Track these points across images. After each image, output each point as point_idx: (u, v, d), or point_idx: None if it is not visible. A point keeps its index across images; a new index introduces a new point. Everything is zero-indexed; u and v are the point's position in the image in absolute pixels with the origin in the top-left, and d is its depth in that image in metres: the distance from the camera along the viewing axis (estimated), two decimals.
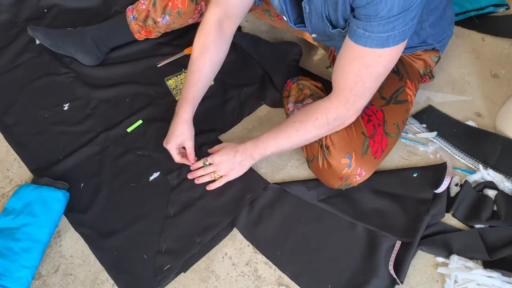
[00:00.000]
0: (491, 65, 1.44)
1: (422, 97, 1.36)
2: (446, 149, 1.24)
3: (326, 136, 1.05)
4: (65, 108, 1.36)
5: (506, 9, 1.57)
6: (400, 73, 1.13)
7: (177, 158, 1.17)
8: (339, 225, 1.13)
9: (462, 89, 1.38)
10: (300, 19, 1.04)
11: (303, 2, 0.97)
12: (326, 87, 1.29)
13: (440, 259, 1.07)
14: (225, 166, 1.14)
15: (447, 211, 1.14)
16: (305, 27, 1.05)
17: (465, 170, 1.21)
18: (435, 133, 1.26)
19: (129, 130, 1.31)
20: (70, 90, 1.40)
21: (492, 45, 1.49)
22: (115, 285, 1.07)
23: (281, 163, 1.25)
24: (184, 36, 1.48)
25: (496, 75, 1.41)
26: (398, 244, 1.08)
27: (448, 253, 1.07)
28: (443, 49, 1.22)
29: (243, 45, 1.44)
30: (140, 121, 1.32)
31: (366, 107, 1.07)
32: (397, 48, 0.88)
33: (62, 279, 1.09)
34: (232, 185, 1.19)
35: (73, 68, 1.44)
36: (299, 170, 1.23)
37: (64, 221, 1.16)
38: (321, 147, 1.07)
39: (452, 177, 1.18)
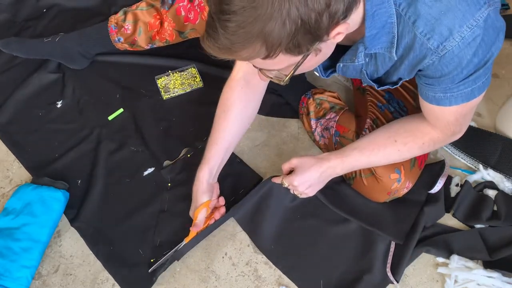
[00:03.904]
0: None
1: None
2: (446, 148, 1.24)
3: None
4: (58, 106, 1.36)
5: (506, 9, 1.57)
6: None
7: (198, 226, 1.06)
8: (334, 222, 1.12)
9: None
10: (332, 69, 0.92)
11: (338, 63, 0.86)
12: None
13: (440, 259, 1.07)
14: (304, 187, 1.01)
15: (447, 211, 1.14)
16: (335, 73, 0.94)
17: (465, 170, 1.21)
18: None
19: (110, 118, 1.32)
20: (62, 87, 1.39)
21: None
22: (115, 285, 1.07)
23: (281, 163, 1.24)
24: None
25: (496, 75, 1.41)
26: (393, 245, 1.08)
27: (448, 253, 1.07)
28: None
29: None
30: (121, 110, 1.33)
31: None
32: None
33: (62, 279, 1.09)
34: (226, 180, 1.19)
35: (63, 66, 1.43)
36: None
37: (64, 221, 1.16)
38: None
39: (452, 177, 1.18)
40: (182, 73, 1.40)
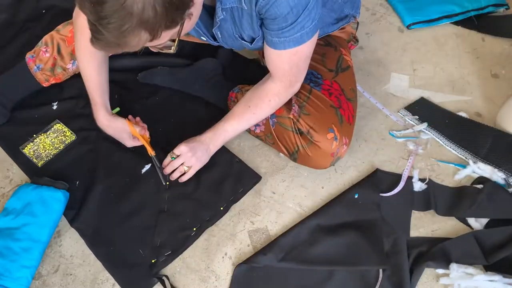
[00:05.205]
0: (491, 65, 1.44)
1: (422, 96, 1.36)
2: (438, 139, 1.26)
3: (300, 123, 1.08)
4: (54, 108, 1.36)
5: (506, 9, 1.57)
6: (333, 45, 1.21)
7: (130, 143, 1.22)
8: (320, 280, 1.06)
9: (462, 89, 1.38)
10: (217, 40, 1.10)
11: (213, 29, 1.02)
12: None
13: (440, 271, 1.05)
14: (191, 155, 1.14)
15: (427, 209, 1.14)
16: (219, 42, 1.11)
17: (457, 164, 1.21)
18: (425, 124, 1.28)
19: None
20: (59, 88, 1.38)
21: (492, 45, 1.49)
22: (115, 285, 1.07)
23: (281, 163, 1.25)
24: None
25: (496, 75, 1.41)
26: (381, 274, 1.05)
27: (447, 263, 1.05)
28: (358, 14, 1.27)
29: (158, 82, 1.39)
30: (118, 108, 1.33)
31: (321, 83, 1.13)
32: (314, 37, 0.98)
33: (62, 279, 1.09)
34: (225, 179, 1.20)
35: None
36: (299, 170, 1.23)
37: (64, 221, 1.16)
38: (301, 135, 1.09)
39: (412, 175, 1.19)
40: (48, 133, 1.30)
